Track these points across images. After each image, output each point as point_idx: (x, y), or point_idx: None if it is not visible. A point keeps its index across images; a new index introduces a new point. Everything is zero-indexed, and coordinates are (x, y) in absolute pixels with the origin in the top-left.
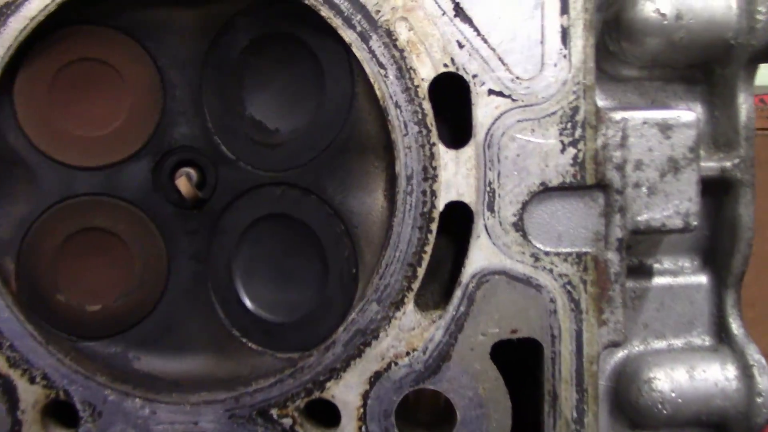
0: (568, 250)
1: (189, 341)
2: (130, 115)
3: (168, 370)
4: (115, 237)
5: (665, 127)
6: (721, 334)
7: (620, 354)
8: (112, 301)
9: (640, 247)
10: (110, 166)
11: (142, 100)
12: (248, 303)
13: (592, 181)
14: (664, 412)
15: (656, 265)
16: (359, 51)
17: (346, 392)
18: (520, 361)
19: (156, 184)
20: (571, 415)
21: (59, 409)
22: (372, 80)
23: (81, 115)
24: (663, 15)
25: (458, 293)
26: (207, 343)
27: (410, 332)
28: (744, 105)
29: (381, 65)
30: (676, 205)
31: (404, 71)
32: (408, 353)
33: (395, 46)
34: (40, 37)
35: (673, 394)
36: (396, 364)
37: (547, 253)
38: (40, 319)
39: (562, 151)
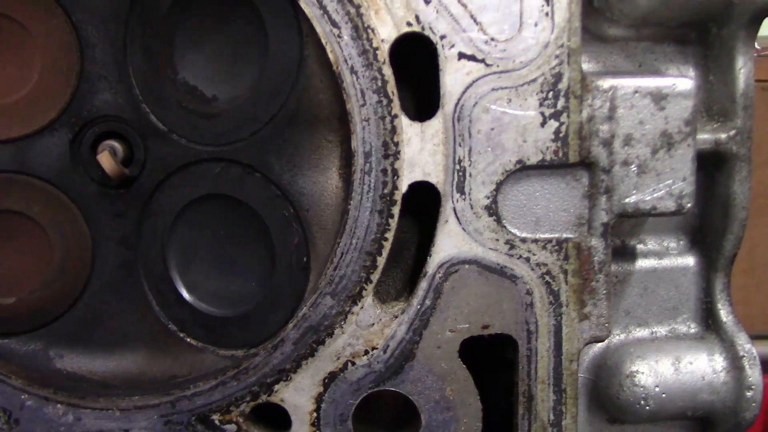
0: (548, 236)
1: (119, 337)
2: (41, 78)
3: (95, 369)
4: (30, 220)
5: (659, 97)
6: (709, 321)
7: (600, 345)
8: (28, 293)
9: (623, 227)
10: (20, 138)
11: (55, 62)
12: (185, 294)
13: (576, 159)
14: (647, 407)
15: (640, 246)
16: (308, 6)
17: (297, 395)
18: (492, 353)
19: (75, 160)
20: (548, 417)
21: None
22: (323, 41)
23: None
24: None
25: (423, 285)
26: (139, 339)
27: (369, 329)
28: (743, 70)
29: (334, 23)
30: (668, 185)
31: (361, 30)
32: (367, 352)
33: (350, 0)
34: None
35: (657, 389)
36: (353, 364)
37: (523, 240)
38: None
39: (543, 124)
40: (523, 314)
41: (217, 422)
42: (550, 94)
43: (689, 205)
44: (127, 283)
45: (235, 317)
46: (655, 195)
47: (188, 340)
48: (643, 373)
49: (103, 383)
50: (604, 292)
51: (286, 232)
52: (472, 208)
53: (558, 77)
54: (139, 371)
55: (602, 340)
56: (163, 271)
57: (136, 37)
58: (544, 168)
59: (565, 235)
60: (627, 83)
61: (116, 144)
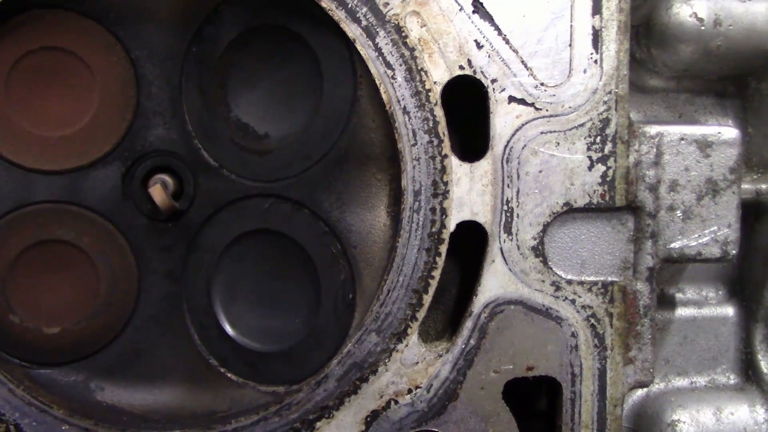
0: (593, 278)
1: (160, 370)
2: (98, 113)
3: (135, 402)
4: (79, 251)
5: (704, 145)
6: (749, 372)
7: (639, 393)
8: (73, 324)
9: (663, 275)
10: (74, 170)
11: (113, 97)
12: (228, 329)
13: (622, 203)
14: None
15: (679, 295)
16: (364, 48)
17: None
18: (534, 396)
19: (126, 193)
20: None
21: None
22: (377, 82)
23: (42, 111)
24: (700, 20)
25: (468, 324)
26: (181, 373)
27: (413, 367)
28: None
29: (388, 65)
30: (713, 231)
31: (414, 73)
32: (410, 391)
33: (405, 44)
34: None
35: None
36: (396, 402)
37: (569, 282)
38: None
39: (590, 168)
40: (568, 357)
41: None
42: (598, 139)
43: (734, 252)
44: (171, 316)
45: (277, 353)
46: (700, 241)
47: (229, 375)
48: (684, 422)
49: (143, 417)
50: (649, 336)
51: (333, 269)
52: (518, 248)
53: (606, 122)
54: (179, 406)
55: (647, 386)
56: (207, 305)
57: (192, 75)
58: (590, 211)
59: (610, 278)
60: (673, 130)
61: (167, 178)
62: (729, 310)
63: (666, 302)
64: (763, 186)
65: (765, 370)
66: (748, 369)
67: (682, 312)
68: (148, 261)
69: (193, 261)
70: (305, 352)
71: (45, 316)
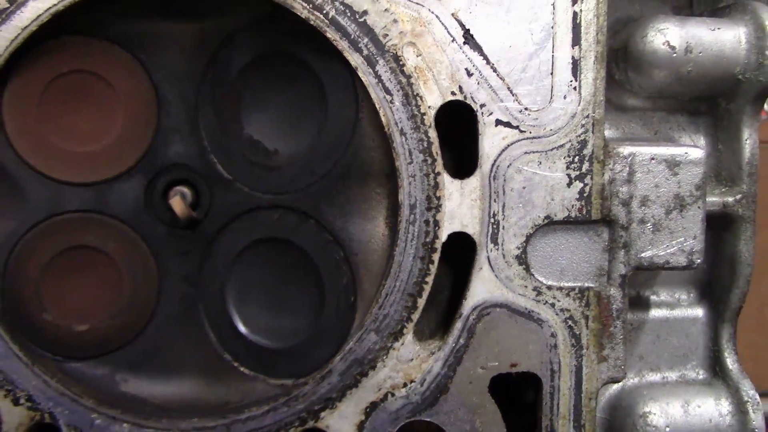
0: (571, 284)
1: (178, 364)
2: (123, 130)
3: (156, 393)
4: (105, 256)
5: (673, 164)
6: (716, 368)
7: (615, 386)
8: (100, 322)
9: (638, 279)
10: (101, 182)
11: (136, 116)
12: (241, 327)
13: (598, 216)
14: None
15: (653, 297)
16: (365, 75)
17: (341, 422)
18: (517, 394)
19: (148, 203)
20: None
21: None
22: (377, 106)
23: (72, 129)
24: (672, 48)
25: (458, 325)
26: (197, 367)
27: (408, 363)
28: (749, 140)
29: (387, 91)
30: (680, 242)
31: (411, 98)
32: (405, 384)
33: (402, 71)
34: (32, 47)
35: (668, 429)
36: (393, 395)
37: (549, 287)
38: (25, 339)
39: (569, 184)
40: (548, 355)
41: None
42: (576, 159)
43: (699, 260)
44: (188, 316)
45: (285, 350)
46: (668, 251)
47: (241, 369)
48: (655, 413)
49: (163, 406)
50: (621, 337)
51: (336, 274)
52: (504, 257)
53: (583, 144)
54: (196, 397)
55: (619, 381)
56: (221, 306)
57: (208, 96)
58: (569, 223)
59: (586, 284)
60: (645, 150)
61: (186, 190)
62: (699, 312)
63: (641, 304)
64: (730, 199)
65: (730, 367)
66: (715, 365)
67: (656, 313)
68: (167, 265)
69: (209, 266)
70: (311, 349)
71: (75, 315)
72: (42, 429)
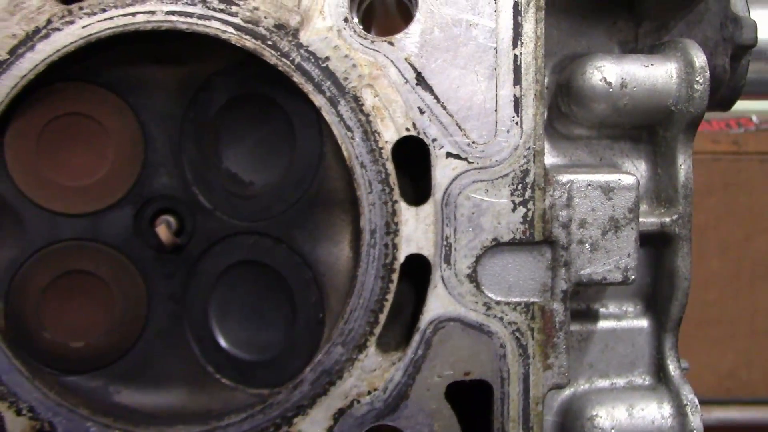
0: (518, 299)
1: (165, 376)
2: (113, 165)
3: (146, 403)
4: (98, 279)
5: (607, 189)
6: (660, 375)
7: (567, 392)
8: (94, 339)
9: (588, 293)
10: (94, 213)
11: (125, 152)
12: (222, 341)
13: (540, 238)
14: None
15: (602, 310)
16: (328, 114)
17: (312, 427)
18: (472, 402)
19: (137, 230)
20: None
21: None
22: (339, 141)
23: (67, 165)
24: (609, 83)
25: (417, 338)
26: (182, 379)
27: (372, 373)
28: (683, 165)
29: (348, 128)
30: (616, 260)
31: (369, 134)
32: (369, 392)
33: (361, 110)
34: (30, 92)
35: (613, 431)
36: (358, 402)
37: (498, 303)
38: (26, 355)
39: (513, 210)
40: (498, 363)
41: None
42: (519, 186)
43: (633, 276)
44: (174, 332)
45: (262, 361)
46: (605, 268)
47: (223, 380)
48: (601, 417)
49: (152, 415)
50: (564, 347)
51: (306, 293)
52: (456, 276)
53: (526, 173)
54: (182, 406)
55: (562, 387)
56: (204, 323)
57: (190, 134)
58: (514, 245)
59: (532, 299)
60: (582, 178)
61: (171, 218)
62: (644, 323)
63: (591, 316)
64: (667, 219)
65: (672, 373)
66: (659, 372)
67: (604, 324)
68: (155, 286)
69: (192, 286)
70: (284, 360)
71: (71, 333)
72: None
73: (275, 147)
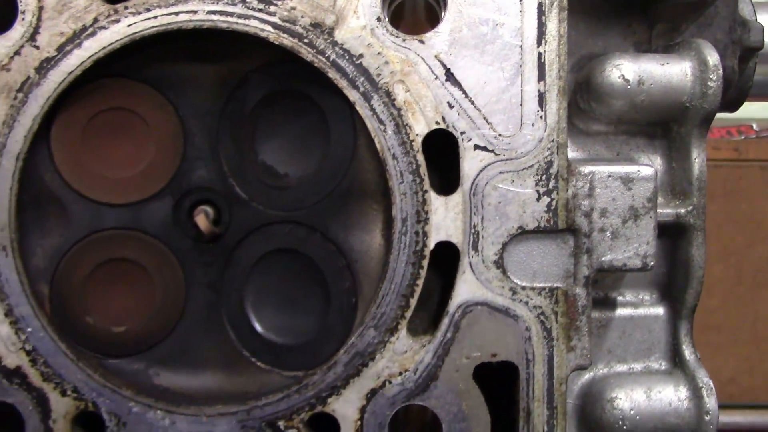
0: (542, 285)
1: (203, 360)
2: (154, 158)
3: (184, 385)
4: (139, 267)
5: (627, 180)
6: (676, 360)
7: (587, 376)
8: (135, 324)
9: (606, 282)
10: (136, 203)
11: (165, 146)
12: (258, 327)
13: (563, 226)
14: (624, 428)
15: (619, 298)
16: (362, 109)
17: (346, 407)
18: (499, 385)
19: (176, 220)
20: (543, 429)
21: (88, 420)
22: (373, 134)
23: (110, 157)
24: (627, 80)
25: (446, 321)
26: (219, 362)
27: (403, 355)
28: (697, 159)
29: (381, 122)
30: (635, 247)
31: (401, 127)
32: (401, 373)
33: (393, 105)
34: (76, 88)
35: (632, 412)
36: (390, 382)
37: (523, 288)
38: (70, 339)
39: (538, 199)
40: (523, 346)
41: (282, 427)
42: (544, 177)
43: (652, 263)
44: (211, 318)
45: (297, 345)
46: (625, 255)
47: (258, 363)
48: (620, 398)
49: (191, 396)
50: (586, 329)
51: (339, 279)
52: (483, 262)
53: (550, 164)
54: (219, 387)
55: (585, 368)
56: (240, 309)
57: (227, 128)
58: (539, 233)
59: (555, 285)
60: (603, 169)
61: (209, 209)
62: (660, 310)
63: (609, 304)
64: (682, 210)
65: (688, 358)
66: (675, 357)
67: (621, 312)
68: (193, 274)
69: (229, 274)
70: (318, 344)
71: (113, 318)
72: (86, 416)
73: (310, 140)
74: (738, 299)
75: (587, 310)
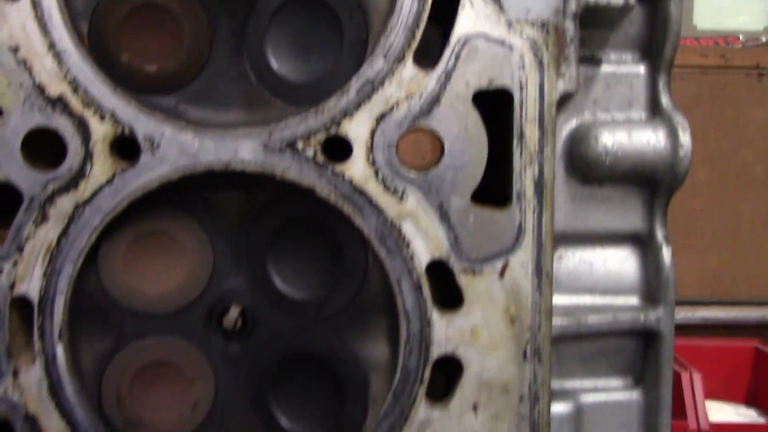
0: (535, 18)
1: (226, 99)
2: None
3: (209, 118)
4: (168, 12)
5: None
6: (654, 110)
7: (573, 123)
8: (165, 64)
9: (592, 42)
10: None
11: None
12: (276, 67)
13: None
14: (606, 163)
15: (604, 56)
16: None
17: (358, 127)
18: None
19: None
20: (534, 146)
21: (123, 148)
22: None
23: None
24: None
25: (447, 51)
26: (242, 101)
27: (409, 82)
28: None
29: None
30: None
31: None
32: (407, 98)
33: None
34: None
35: (615, 148)
36: (397, 106)
37: (518, 21)
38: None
39: None
40: (518, 73)
41: (300, 148)
42: None
43: (632, 1)
44: (234, 64)
45: (312, 82)
46: None
47: (277, 101)
48: (605, 137)
49: (217, 124)
50: (574, 58)
51: (351, 18)
52: None
53: None
54: (241, 121)
55: (572, 94)
56: (261, 54)
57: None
58: None
59: (547, 18)
60: None
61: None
62: (641, 68)
63: (595, 61)
64: None
65: (665, 105)
66: (654, 108)
67: (606, 68)
68: (219, 24)
69: (252, 23)
70: (332, 82)
71: (146, 56)
72: (122, 144)
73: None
74: (722, 202)
75: (575, 41)
